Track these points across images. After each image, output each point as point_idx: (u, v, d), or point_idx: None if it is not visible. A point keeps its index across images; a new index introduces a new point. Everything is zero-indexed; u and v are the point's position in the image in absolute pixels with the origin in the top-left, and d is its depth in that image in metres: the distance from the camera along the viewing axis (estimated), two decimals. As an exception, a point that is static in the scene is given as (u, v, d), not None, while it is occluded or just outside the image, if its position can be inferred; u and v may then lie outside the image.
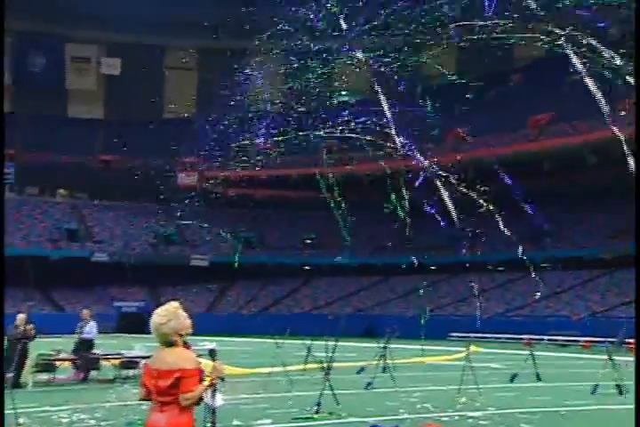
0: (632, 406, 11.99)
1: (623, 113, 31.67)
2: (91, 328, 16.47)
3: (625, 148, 8.42)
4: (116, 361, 16.30)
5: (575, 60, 8.13)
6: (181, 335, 4.29)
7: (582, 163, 43.28)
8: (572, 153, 44.61)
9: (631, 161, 8.21)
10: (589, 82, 8.17)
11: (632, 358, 22.66)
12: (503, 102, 51.58)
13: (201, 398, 4.19)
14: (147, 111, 64.14)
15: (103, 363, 16.35)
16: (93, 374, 15.97)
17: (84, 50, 69.16)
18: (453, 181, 9.75)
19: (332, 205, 12.08)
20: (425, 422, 9.91)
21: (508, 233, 11.09)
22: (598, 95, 8.33)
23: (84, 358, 15.99)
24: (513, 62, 60.68)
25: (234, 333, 40.72)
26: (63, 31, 65.48)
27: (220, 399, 4.27)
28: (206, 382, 4.19)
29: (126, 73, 67.42)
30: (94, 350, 16.44)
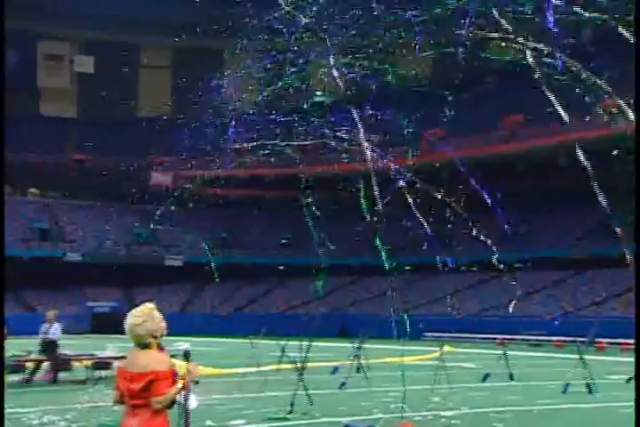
0: (601, 405, 12.23)
1: (587, 118, 32.26)
2: (55, 330, 16.29)
3: (579, 152, 8.50)
4: (89, 362, 16.16)
5: (537, 73, 8.19)
6: (156, 337, 4.27)
7: (555, 164, 43.71)
8: (546, 154, 45.06)
9: (587, 165, 8.30)
10: (550, 95, 8.23)
11: (602, 358, 23.01)
12: (477, 103, 51.89)
13: (174, 401, 4.16)
14: (121, 110, 63.67)
15: (75, 364, 16.21)
16: (65, 375, 15.82)
17: (57, 47, 68.32)
18: (425, 184, 9.80)
19: (305, 205, 12.09)
20: (398, 422, 9.96)
21: (478, 235, 11.16)
22: (558, 106, 8.40)
23: (56, 359, 15.84)
24: (489, 62, 61.11)
25: (208, 333, 40.54)
26: (35, 28, 64.61)
27: (194, 401, 4.25)
28: (179, 385, 4.16)
29: (100, 71, 66.80)
30: (59, 351, 16.27)
